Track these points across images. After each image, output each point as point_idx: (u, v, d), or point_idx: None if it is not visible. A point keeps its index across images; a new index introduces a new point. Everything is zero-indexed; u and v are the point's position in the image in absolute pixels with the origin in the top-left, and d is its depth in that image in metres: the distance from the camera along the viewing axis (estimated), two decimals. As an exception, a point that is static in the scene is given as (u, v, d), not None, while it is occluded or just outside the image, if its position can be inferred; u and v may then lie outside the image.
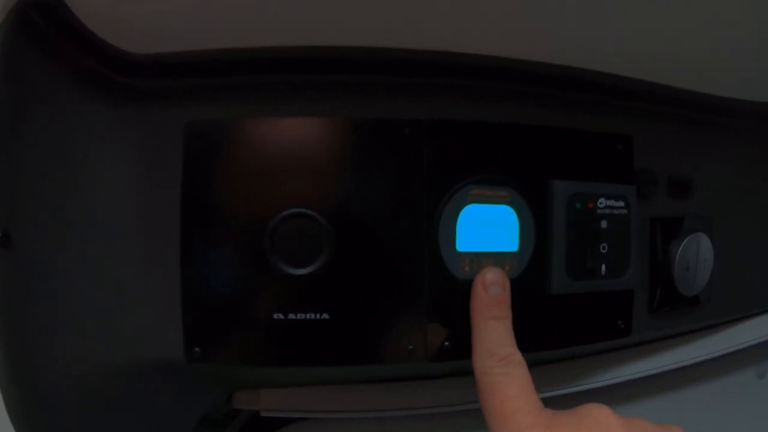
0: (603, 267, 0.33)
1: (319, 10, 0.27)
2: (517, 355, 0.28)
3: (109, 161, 0.29)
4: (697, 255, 0.38)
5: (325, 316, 0.29)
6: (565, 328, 0.33)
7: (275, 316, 0.29)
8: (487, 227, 0.31)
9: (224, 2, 0.27)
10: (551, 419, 0.25)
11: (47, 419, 0.30)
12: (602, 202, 0.33)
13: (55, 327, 0.28)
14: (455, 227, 0.30)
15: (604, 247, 0.33)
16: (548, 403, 0.27)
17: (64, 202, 0.28)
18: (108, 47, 0.29)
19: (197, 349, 0.29)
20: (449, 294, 0.30)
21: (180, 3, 0.27)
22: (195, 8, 0.27)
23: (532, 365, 0.28)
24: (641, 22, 0.31)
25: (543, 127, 0.32)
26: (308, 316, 0.29)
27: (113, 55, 0.29)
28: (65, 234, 0.28)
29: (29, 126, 0.28)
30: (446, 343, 0.30)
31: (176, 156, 0.29)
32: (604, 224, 0.33)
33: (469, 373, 0.29)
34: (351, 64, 0.31)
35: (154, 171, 0.29)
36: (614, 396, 0.43)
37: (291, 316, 0.29)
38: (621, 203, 0.34)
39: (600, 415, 0.25)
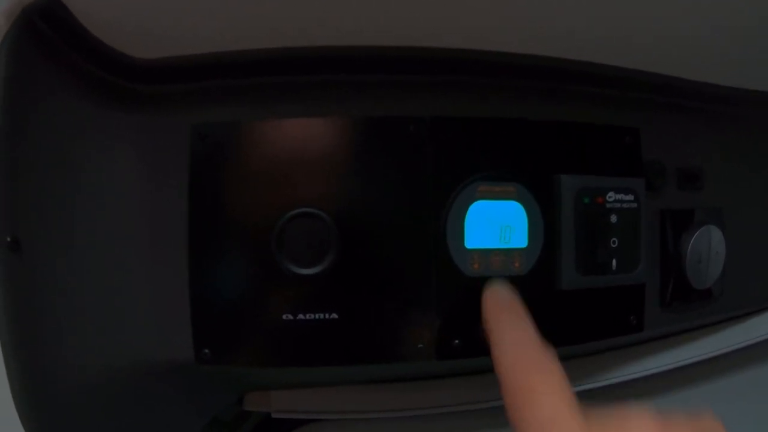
0: (614, 262, 0.33)
1: (321, 10, 0.27)
2: (546, 357, 0.25)
3: (116, 165, 0.29)
4: (709, 247, 0.38)
5: (334, 315, 0.29)
6: (577, 324, 0.33)
7: (284, 316, 0.29)
8: (496, 223, 0.31)
9: (227, 5, 0.27)
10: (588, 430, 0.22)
11: (57, 421, 0.30)
12: (611, 196, 0.33)
13: (64, 329, 0.28)
14: (463, 224, 0.30)
15: (614, 242, 0.33)
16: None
17: (72, 206, 0.28)
18: (113, 53, 0.29)
19: (206, 350, 0.29)
20: (458, 291, 0.30)
21: (183, 7, 0.27)
22: (198, 12, 0.27)
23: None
24: (648, 12, 0.30)
25: (550, 121, 0.32)
26: (317, 316, 0.29)
27: (118, 60, 0.29)
28: (74, 238, 0.28)
29: (36, 132, 0.28)
30: (456, 341, 0.30)
31: (182, 159, 0.29)
32: (613, 218, 0.33)
33: (479, 371, 0.28)
34: (354, 63, 0.31)
35: (161, 174, 0.29)
36: (629, 392, 0.42)
37: (300, 316, 0.29)
38: (630, 197, 0.33)
39: (640, 426, 0.23)
